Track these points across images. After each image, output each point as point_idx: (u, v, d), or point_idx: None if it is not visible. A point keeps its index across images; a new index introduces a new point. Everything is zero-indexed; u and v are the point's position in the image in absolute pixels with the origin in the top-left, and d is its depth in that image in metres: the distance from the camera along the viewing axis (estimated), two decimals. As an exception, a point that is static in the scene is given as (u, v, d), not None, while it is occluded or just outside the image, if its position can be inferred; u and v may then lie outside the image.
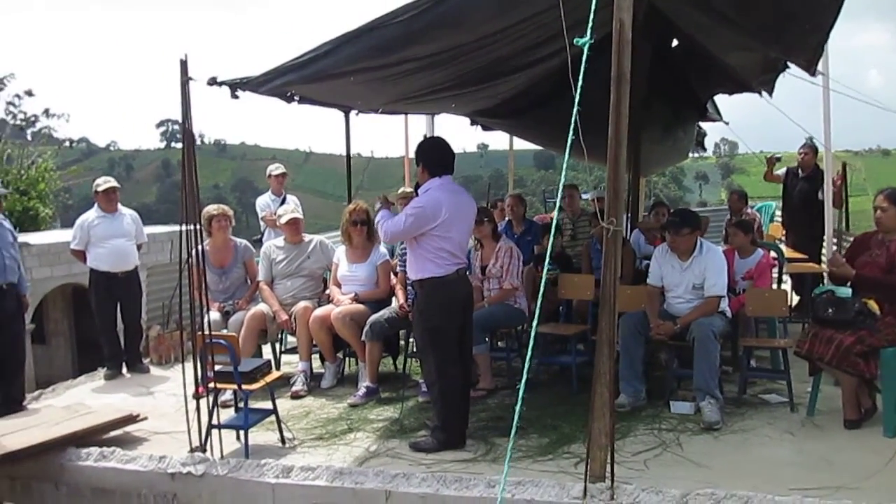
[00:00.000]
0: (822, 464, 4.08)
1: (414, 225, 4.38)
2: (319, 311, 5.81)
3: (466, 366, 4.74)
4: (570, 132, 3.22)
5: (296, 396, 5.63)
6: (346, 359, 6.25)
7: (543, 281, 3.30)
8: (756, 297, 5.45)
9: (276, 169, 8.24)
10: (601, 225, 3.74)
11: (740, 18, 4.76)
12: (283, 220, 6.24)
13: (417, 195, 4.60)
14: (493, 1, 3.94)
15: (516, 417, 3.16)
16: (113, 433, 4.75)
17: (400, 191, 7.24)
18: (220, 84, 4.25)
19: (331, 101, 5.64)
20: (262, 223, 8.13)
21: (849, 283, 4.83)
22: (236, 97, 4.33)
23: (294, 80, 4.20)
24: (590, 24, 3.18)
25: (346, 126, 6.67)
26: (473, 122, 8.34)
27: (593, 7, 3.20)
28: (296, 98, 4.98)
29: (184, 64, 4.08)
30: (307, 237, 6.37)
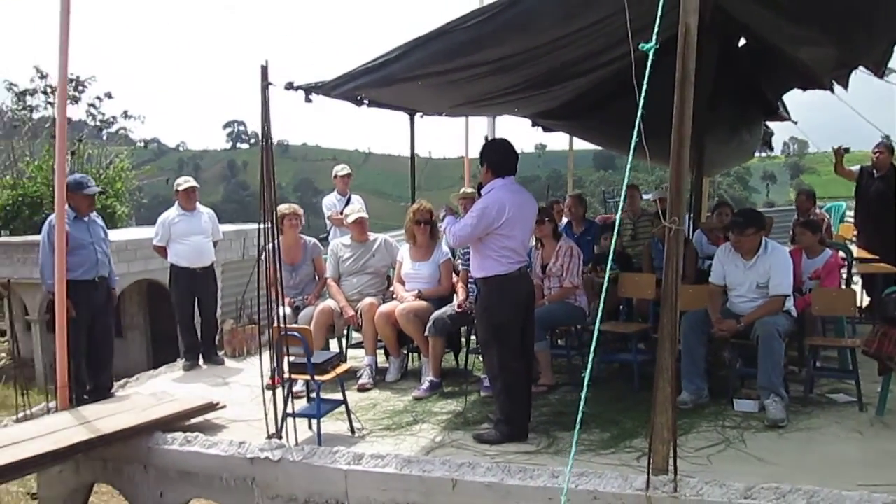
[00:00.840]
0: (891, 462, 4.05)
1: (480, 226, 4.52)
2: (384, 308, 6.00)
3: (528, 361, 4.85)
4: (634, 134, 3.28)
5: (362, 389, 5.83)
6: (410, 354, 6.42)
7: (606, 279, 3.40)
8: (823, 297, 5.40)
9: (341, 170, 8.50)
10: (663, 224, 3.80)
11: (808, 16, 4.74)
12: (350, 220, 6.46)
13: (480, 195, 4.74)
14: (560, 6, 4.03)
15: (581, 410, 3.25)
16: (195, 420, 5.03)
17: (461, 191, 7.40)
18: (296, 88, 4.45)
19: (398, 103, 5.83)
20: (328, 222, 8.39)
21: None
22: (310, 101, 4.54)
23: (365, 84, 4.38)
24: (655, 30, 3.25)
25: (410, 128, 6.86)
26: (535, 124, 8.43)
27: (659, 12, 3.27)
28: (365, 101, 5.17)
29: (264, 70, 4.30)
30: (372, 236, 6.58)
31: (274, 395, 4.57)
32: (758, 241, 5.15)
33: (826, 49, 5.79)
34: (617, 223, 3.77)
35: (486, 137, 8.51)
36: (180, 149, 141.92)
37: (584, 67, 5.50)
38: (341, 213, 8.11)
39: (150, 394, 5.48)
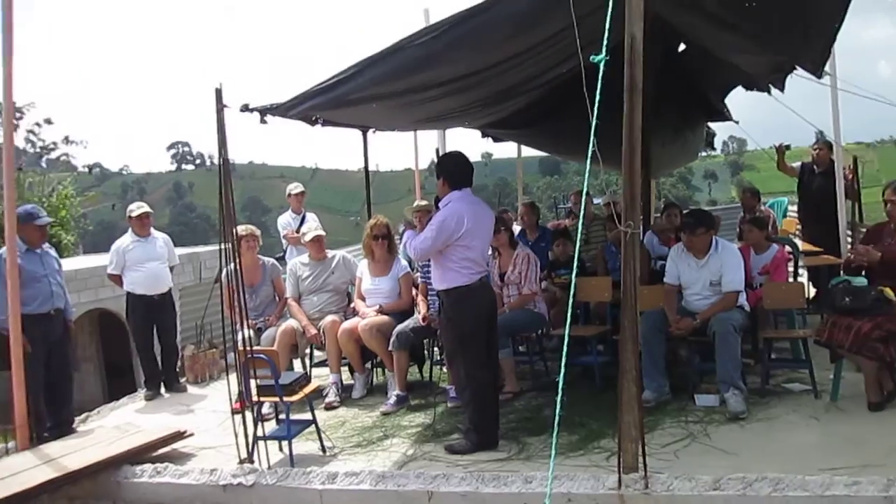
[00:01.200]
0: (847, 445, 4.22)
1: (440, 238, 4.57)
2: (347, 324, 6.01)
3: (494, 370, 4.92)
4: (591, 143, 3.38)
5: (329, 407, 5.82)
6: (374, 369, 6.43)
7: (573, 284, 3.48)
8: (773, 291, 5.60)
9: (295, 188, 8.48)
10: (619, 228, 3.92)
11: (743, 26, 4.93)
12: (308, 238, 6.45)
13: (438, 208, 4.80)
14: (510, 23, 4.12)
15: (557, 414, 3.32)
16: (162, 450, 4.94)
17: (416, 204, 7.48)
18: (251, 110, 4.45)
19: (352, 122, 5.85)
20: (284, 241, 8.35)
21: (863, 273, 4.99)
22: (265, 122, 4.54)
23: (320, 104, 4.41)
24: (604, 42, 3.36)
25: (364, 145, 6.89)
26: (485, 135, 8.54)
27: (607, 27, 3.38)
28: (319, 121, 5.19)
29: (219, 93, 4.29)
30: (331, 253, 6.59)
31: (244, 418, 4.53)
32: (709, 241, 5.33)
33: (762, 57, 6.03)
34: (580, 229, 3.84)
35: (437, 150, 8.59)
36: (123, 172, 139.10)
37: (534, 84, 5.61)
38: (297, 232, 8.11)
39: (115, 426, 5.36)
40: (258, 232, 6.54)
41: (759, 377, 5.44)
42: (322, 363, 6.52)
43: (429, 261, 6.01)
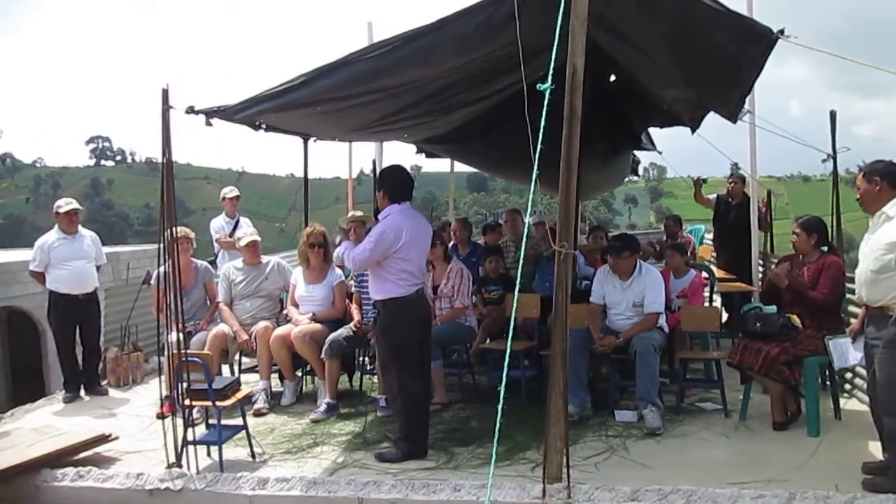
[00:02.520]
0: (754, 461, 4.52)
1: (378, 250, 4.67)
2: (280, 331, 6.01)
3: (426, 381, 5.03)
4: (535, 166, 3.56)
5: (258, 414, 5.80)
6: (304, 377, 6.44)
7: (516, 300, 3.67)
8: (691, 314, 5.93)
9: (230, 192, 8.41)
10: (553, 248, 4.11)
11: (672, 68, 5.25)
12: (243, 243, 6.43)
13: (377, 219, 4.90)
14: (457, 42, 4.27)
15: (498, 421, 3.47)
16: (85, 454, 4.82)
17: (350, 214, 7.55)
18: (197, 112, 4.45)
19: (296, 129, 5.89)
20: (216, 245, 8.25)
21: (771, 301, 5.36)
22: (210, 125, 4.54)
23: (268, 109, 4.44)
24: (550, 72, 3.55)
25: (304, 153, 6.93)
26: (419, 150, 8.67)
27: (553, 56, 3.58)
28: (263, 126, 5.21)
29: (165, 93, 4.29)
30: (265, 259, 6.58)
31: (174, 422, 4.49)
32: (633, 264, 5.60)
33: (688, 91, 6.38)
34: (524, 244, 4.00)
35: (374, 162, 8.69)
36: (37, 165, 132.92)
37: (474, 101, 5.79)
38: (230, 236, 8.05)
39: (33, 429, 5.19)
40: (192, 234, 6.48)
41: (675, 396, 5.73)
42: (250, 369, 6.49)
43: (365, 271, 6.12)
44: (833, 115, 6.38)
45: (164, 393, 5.92)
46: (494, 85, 5.70)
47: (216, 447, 4.71)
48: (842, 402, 5.43)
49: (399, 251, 4.69)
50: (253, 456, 4.86)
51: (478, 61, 4.81)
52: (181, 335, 5.88)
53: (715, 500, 3.91)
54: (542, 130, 3.51)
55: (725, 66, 4.57)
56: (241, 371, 6.58)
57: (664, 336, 5.56)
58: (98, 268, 6.77)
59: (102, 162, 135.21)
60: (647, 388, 5.20)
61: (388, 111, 5.42)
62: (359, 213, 7.46)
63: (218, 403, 4.62)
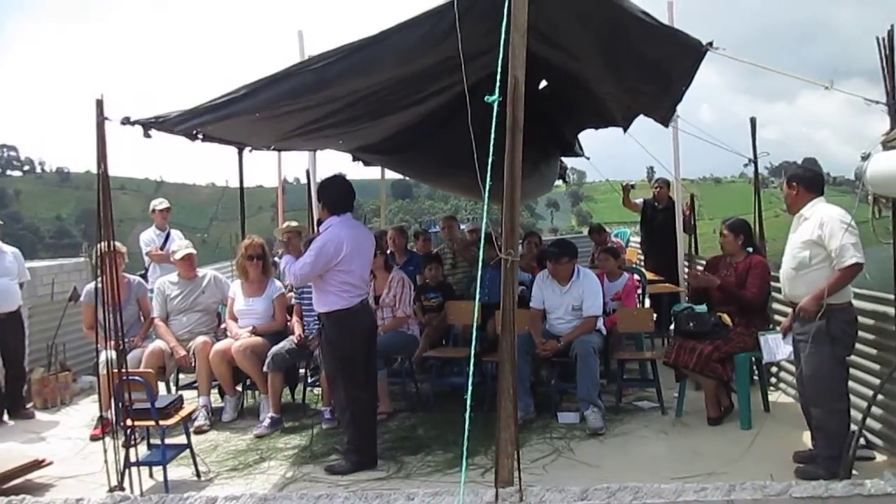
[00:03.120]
0: (693, 456, 4.72)
1: (319, 263, 4.65)
2: (219, 345, 5.91)
3: (374, 391, 5.03)
4: (488, 178, 3.62)
5: (199, 431, 5.67)
6: (245, 391, 6.34)
7: (476, 307, 3.70)
8: (626, 316, 6.13)
9: (160, 203, 8.18)
10: (499, 256, 4.18)
11: (605, 77, 5.43)
12: (178, 256, 6.28)
13: (319, 232, 4.88)
14: (399, 53, 4.31)
15: (466, 428, 3.51)
16: (15, 482, 4.60)
17: (286, 225, 7.48)
18: (133, 123, 4.33)
19: (233, 139, 5.79)
20: (146, 258, 8.01)
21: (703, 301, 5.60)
22: (149, 136, 4.42)
23: (210, 121, 4.36)
24: (497, 84, 3.63)
25: (239, 164, 6.83)
26: (355, 159, 8.64)
27: (499, 68, 3.66)
28: (199, 136, 5.11)
29: (100, 104, 4.16)
30: (201, 272, 6.45)
31: (115, 444, 4.35)
32: (571, 269, 5.76)
33: (621, 97, 6.59)
34: (482, 252, 4.05)
35: (307, 171, 8.63)
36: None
37: (408, 102, 5.83)
38: (161, 249, 7.84)
39: (-41, 456, 4.93)
40: (124, 249, 6.27)
41: (614, 396, 5.91)
42: (188, 386, 6.34)
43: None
44: (753, 121, 6.73)
45: (101, 413, 5.76)
46: (431, 90, 5.77)
47: (159, 468, 4.60)
48: (770, 395, 5.72)
49: (340, 263, 4.68)
50: (198, 475, 4.76)
51: (418, 71, 4.87)
52: (115, 353, 5.74)
53: (660, 495, 4.04)
54: (492, 142, 3.57)
55: (657, 78, 4.77)
56: (178, 388, 6.42)
57: (602, 338, 5.73)
58: (21, 285, 6.48)
59: (8, 172, 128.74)
60: (588, 389, 5.35)
61: (327, 120, 5.40)
62: (294, 224, 7.41)
63: (161, 423, 4.50)
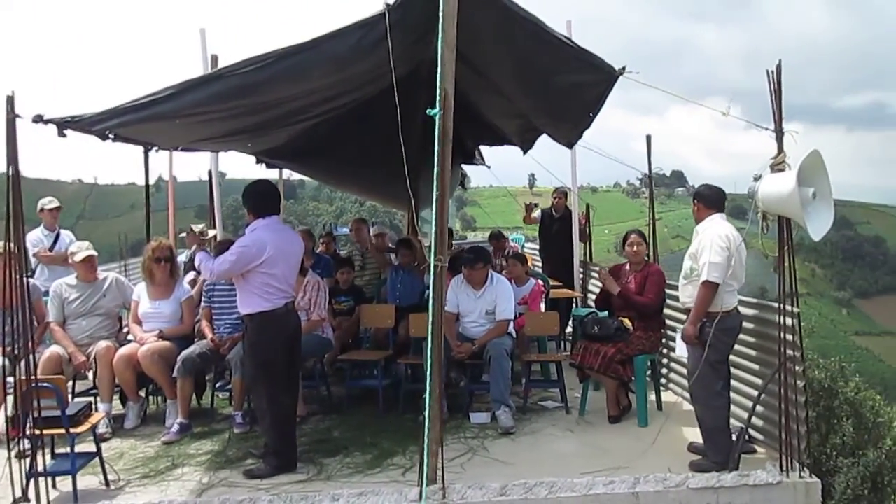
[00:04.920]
0: (599, 452, 5.03)
1: (238, 263, 4.63)
2: (125, 350, 5.71)
3: (295, 394, 5.04)
4: (430, 185, 3.75)
5: (102, 439, 5.44)
6: (148, 397, 6.15)
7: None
8: (534, 319, 6.42)
9: (49, 202, 7.74)
10: (428, 262, 4.33)
11: (520, 101, 5.69)
12: (79, 258, 6.00)
13: (246, 234, 4.87)
14: (330, 60, 4.38)
15: (427, 430, 3.58)
16: None
17: (191, 227, 7.39)
18: (47, 122, 4.16)
19: (145, 139, 5.62)
20: (33, 260, 7.57)
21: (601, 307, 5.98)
22: (64, 135, 4.26)
23: (129, 122, 4.25)
24: (438, 98, 3.79)
25: (145, 163, 6.64)
26: (259, 161, 8.56)
27: (438, 86, 3.82)
28: (111, 136, 4.95)
29: (10, 100, 3.99)
30: (102, 274, 6.19)
31: (20, 454, 4.16)
32: (486, 274, 5.97)
33: (522, 122, 6.90)
34: (433, 256, 4.16)
35: (210, 172, 8.46)
36: None
37: (332, 106, 5.88)
38: (50, 250, 7.45)
39: None
40: (32, 251, 5.94)
41: (520, 396, 6.17)
42: (84, 392, 6.08)
43: (213, 286, 5.99)
44: (648, 138, 7.21)
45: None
46: (351, 97, 5.85)
47: (62, 477, 4.42)
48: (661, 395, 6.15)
49: (263, 265, 4.66)
50: (107, 483, 4.60)
51: (344, 79, 4.95)
52: (4, 360, 5.43)
53: (573, 489, 4.33)
54: (437, 153, 3.73)
55: (571, 102, 5.08)
56: (73, 395, 6.13)
57: (513, 341, 5.98)
58: None
59: None
60: (500, 390, 5.57)
61: (247, 123, 5.38)
62: (200, 226, 7.34)
63: (72, 430, 4.33)
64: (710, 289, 4.57)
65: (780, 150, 4.33)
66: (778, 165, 4.34)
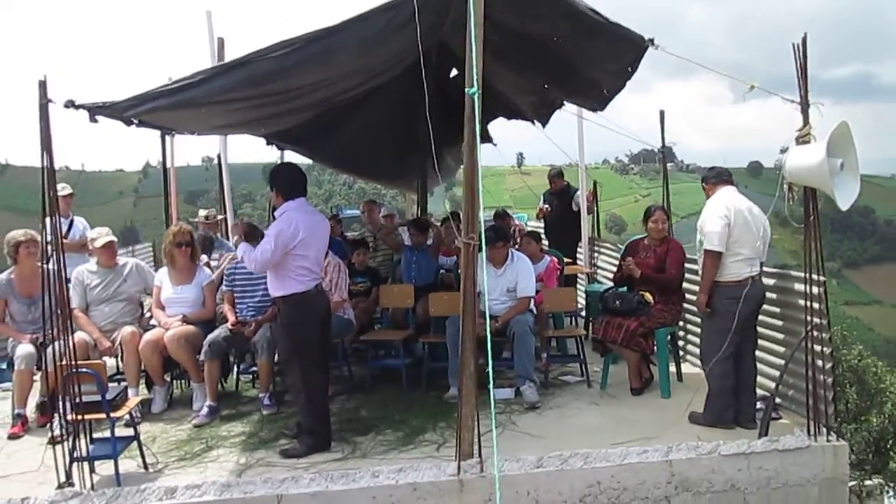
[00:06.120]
0: (626, 423, 5.12)
1: (279, 248, 4.66)
2: (150, 335, 5.74)
3: (327, 373, 5.10)
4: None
5: (128, 424, 5.50)
6: (173, 381, 6.20)
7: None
8: (552, 296, 6.49)
9: (62, 189, 7.67)
10: (461, 240, 4.38)
11: (543, 76, 5.71)
12: (99, 244, 6.01)
13: (275, 217, 4.89)
14: (358, 43, 4.39)
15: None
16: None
17: (203, 214, 7.39)
18: (78, 107, 4.16)
19: (168, 125, 5.61)
20: (48, 247, 7.55)
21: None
22: (95, 121, 4.26)
23: (160, 107, 4.26)
24: (475, 78, 3.82)
25: (162, 147, 6.63)
26: (269, 143, 8.55)
27: (474, 62, 3.84)
28: (135, 121, 4.95)
29: (43, 85, 3.99)
30: (122, 260, 6.21)
31: (63, 438, 4.21)
32: (506, 253, 6.03)
33: (537, 98, 6.92)
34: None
35: (219, 156, 8.45)
36: None
37: (356, 91, 5.89)
38: (65, 238, 7.43)
39: None
40: (38, 237, 5.93)
41: (542, 371, 6.25)
42: (111, 378, 6.10)
43: (234, 269, 6.02)
44: (662, 113, 7.24)
45: (17, 410, 5.47)
46: (374, 82, 5.87)
47: (100, 462, 4.46)
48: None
49: (297, 248, 4.70)
50: (145, 467, 4.67)
51: (368, 64, 4.97)
52: (26, 347, 5.47)
53: (608, 459, 4.41)
54: (467, 133, 3.76)
55: (604, 68, 5.11)
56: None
57: (534, 317, 6.05)
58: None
59: None
60: (524, 365, 5.65)
61: (272, 111, 5.40)
62: (204, 212, 7.37)
63: (112, 414, 4.38)
64: (711, 257, 4.84)
65: (806, 122, 4.39)
66: (804, 137, 4.40)
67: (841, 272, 79.57)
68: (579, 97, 6.25)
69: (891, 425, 11.36)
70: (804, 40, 4.34)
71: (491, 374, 4.03)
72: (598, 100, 5.73)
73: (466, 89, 3.94)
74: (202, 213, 8.07)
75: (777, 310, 5.19)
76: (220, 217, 8.18)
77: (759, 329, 5.15)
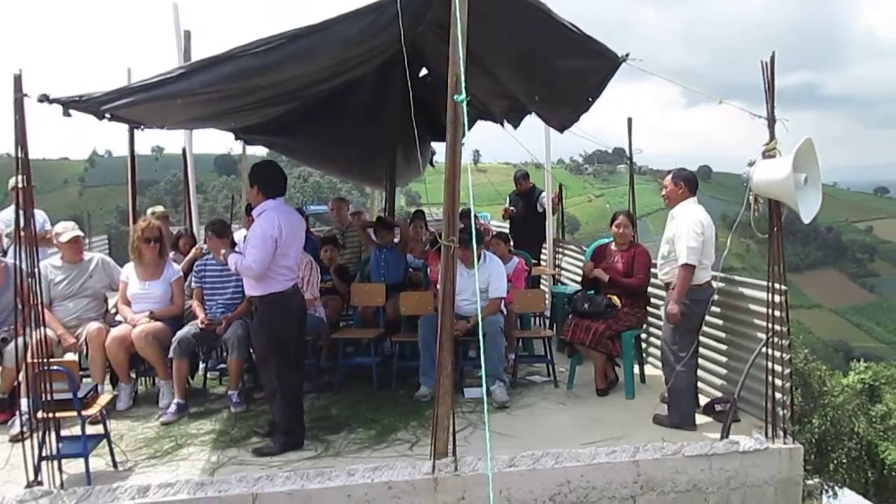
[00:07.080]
0: (594, 423, 5.25)
1: (268, 248, 4.62)
2: (117, 331, 5.66)
3: (302, 372, 5.11)
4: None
5: (94, 421, 5.41)
6: (138, 378, 6.12)
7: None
8: (521, 297, 6.59)
9: (25, 181, 7.50)
10: (441, 242, 4.44)
11: (515, 86, 5.79)
12: (65, 238, 5.90)
13: (251, 216, 4.87)
14: (340, 42, 4.42)
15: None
16: None
17: (152, 210, 7.30)
18: (52, 101, 4.09)
19: (141, 119, 5.52)
20: (5, 240, 7.36)
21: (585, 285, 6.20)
22: (69, 115, 4.20)
23: (138, 102, 4.21)
24: (463, 86, 3.87)
25: (130, 141, 6.51)
26: (238, 137, 8.47)
27: (463, 67, 3.90)
28: (107, 115, 4.87)
29: (18, 79, 3.92)
30: (87, 255, 6.10)
31: (31, 437, 4.13)
32: (479, 254, 6.09)
33: (508, 101, 7.00)
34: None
35: (184, 150, 8.33)
36: None
37: (329, 87, 5.89)
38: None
39: None
40: (3, 230, 5.80)
41: (509, 372, 6.34)
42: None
43: (204, 266, 5.97)
44: (629, 121, 7.40)
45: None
46: (347, 77, 5.88)
47: (69, 461, 4.37)
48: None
49: (280, 247, 4.69)
50: (115, 465, 4.61)
51: (347, 60, 4.99)
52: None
53: (578, 458, 4.53)
54: (466, 134, 3.82)
55: (572, 87, 5.21)
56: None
57: (504, 318, 6.14)
58: None
59: None
60: (495, 365, 5.72)
61: (245, 102, 5.36)
62: (160, 209, 7.27)
63: (83, 412, 4.32)
64: (689, 270, 5.02)
65: (772, 137, 4.56)
66: (770, 152, 4.58)
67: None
68: (549, 112, 6.33)
69: (832, 427, 11.87)
70: (772, 58, 4.50)
71: (467, 373, 4.07)
72: (566, 116, 5.81)
73: (455, 96, 3.99)
74: (150, 210, 7.91)
75: (730, 313, 5.41)
76: (160, 209, 7.98)
77: (711, 331, 5.47)
